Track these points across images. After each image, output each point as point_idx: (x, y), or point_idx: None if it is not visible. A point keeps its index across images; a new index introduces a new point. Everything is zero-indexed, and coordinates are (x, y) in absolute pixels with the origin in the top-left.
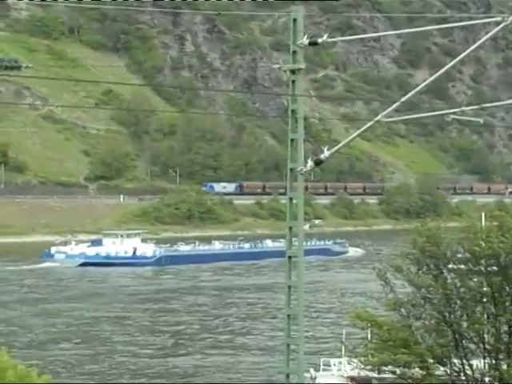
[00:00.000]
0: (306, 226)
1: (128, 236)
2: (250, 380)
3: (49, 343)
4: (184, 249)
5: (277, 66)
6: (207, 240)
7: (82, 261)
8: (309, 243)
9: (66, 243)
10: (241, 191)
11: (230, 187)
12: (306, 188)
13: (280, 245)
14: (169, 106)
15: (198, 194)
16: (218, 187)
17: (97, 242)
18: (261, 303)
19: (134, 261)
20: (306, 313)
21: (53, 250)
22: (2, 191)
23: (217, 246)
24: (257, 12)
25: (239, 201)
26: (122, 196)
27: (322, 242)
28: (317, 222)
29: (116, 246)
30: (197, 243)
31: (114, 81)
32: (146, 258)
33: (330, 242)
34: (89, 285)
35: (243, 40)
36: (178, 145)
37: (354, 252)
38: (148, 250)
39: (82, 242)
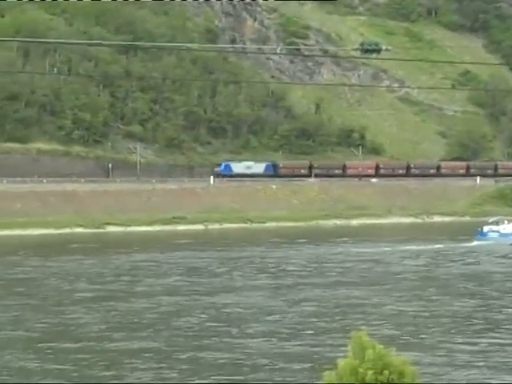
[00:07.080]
0: None
1: None
2: None
3: None
4: None
5: None
6: None
7: None
8: None
9: (497, 223)
10: (274, 173)
11: (258, 167)
12: None
13: None
14: None
15: None
16: (239, 167)
17: None
18: None
19: None
20: None
21: (485, 229)
22: None
23: None
24: None
25: None
26: (477, 178)
27: None
28: None
29: None
30: None
31: (471, 61)
32: None
33: None
34: None
35: None
36: None
37: None
38: None
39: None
